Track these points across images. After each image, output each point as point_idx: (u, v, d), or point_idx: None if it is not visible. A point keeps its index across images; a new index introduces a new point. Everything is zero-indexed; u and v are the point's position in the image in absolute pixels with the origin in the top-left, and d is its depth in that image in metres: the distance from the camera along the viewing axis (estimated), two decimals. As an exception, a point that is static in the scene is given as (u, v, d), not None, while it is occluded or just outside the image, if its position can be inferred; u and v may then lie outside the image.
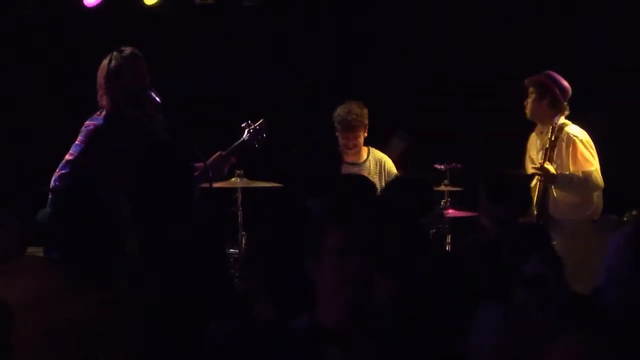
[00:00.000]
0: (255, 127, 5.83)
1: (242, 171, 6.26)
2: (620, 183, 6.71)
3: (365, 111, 6.73)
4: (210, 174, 5.31)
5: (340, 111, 6.73)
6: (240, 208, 6.30)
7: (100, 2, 7.21)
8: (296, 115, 8.01)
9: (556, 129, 6.40)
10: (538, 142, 6.62)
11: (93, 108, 5.52)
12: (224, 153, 5.65)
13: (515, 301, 3.83)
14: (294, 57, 8.22)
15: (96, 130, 5.43)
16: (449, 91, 8.18)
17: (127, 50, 5.47)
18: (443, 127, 8.04)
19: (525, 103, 6.54)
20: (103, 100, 5.47)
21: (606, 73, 7.72)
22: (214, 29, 7.97)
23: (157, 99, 5.44)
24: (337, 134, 6.77)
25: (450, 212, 6.94)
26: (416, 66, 8.08)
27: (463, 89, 8.20)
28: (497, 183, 4.96)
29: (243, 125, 5.84)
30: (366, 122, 6.73)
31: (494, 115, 7.75)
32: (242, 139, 5.78)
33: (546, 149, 6.42)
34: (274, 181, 6.33)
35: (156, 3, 7.41)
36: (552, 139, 6.39)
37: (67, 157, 5.42)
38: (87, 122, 5.48)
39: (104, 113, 5.47)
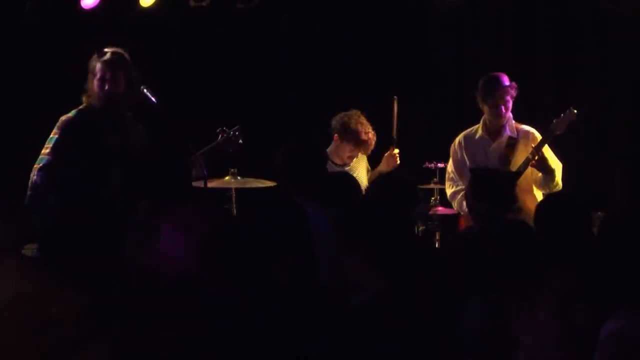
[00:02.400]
0: (230, 133, 5.86)
1: (236, 170, 6.37)
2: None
3: None
4: (205, 173, 5.44)
5: (359, 130, 6.75)
6: (235, 206, 6.41)
7: (98, 4, 7.31)
8: (288, 116, 8.10)
9: (519, 128, 6.53)
10: (483, 146, 6.64)
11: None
12: (195, 155, 5.58)
13: (499, 295, 3.93)
14: (285, 59, 8.31)
15: (69, 121, 5.54)
16: (438, 90, 8.28)
17: (108, 52, 5.56)
18: (432, 125, 8.14)
19: (502, 111, 6.50)
20: (84, 96, 5.61)
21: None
22: (208, 30, 8.06)
23: (153, 98, 5.57)
24: (340, 143, 6.81)
25: (440, 210, 7.06)
26: (404, 65, 8.17)
27: (452, 87, 8.29)
28: (481, 180, 5.01)
29: (218, 130, 5.89)
30: None
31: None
32: (214, 143, 5.81)
33: (507, 149, 6.53)
34: (268, 180, 6.45)
35: (152, 5, 7.51)
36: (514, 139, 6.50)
37: (44, 150, 5.51)
38: (61, 117, 5.59)
39: (80, 107, 5.59)
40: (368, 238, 3.32)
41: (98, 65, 5.51)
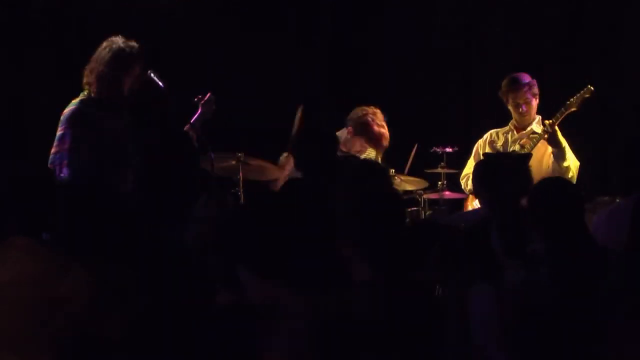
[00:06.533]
0: (207, 99, 5.99)
1: (243, 154, 6.38)
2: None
3: None
4: (213, 157, 5.48)
5: (373, 127, 6.70)
6: (242, 190, 6.42)
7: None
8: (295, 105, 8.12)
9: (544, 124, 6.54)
10: (505, 137, 6.70)
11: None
12: (188, 128, 5.85)
13: (507, 282, 3.92)
14: (294, 49, 8.32)
15: (72, 114, 5.52)
16: (445, 75, 8.28)
17: (120, 40, 5.57)
18: (439, 110, 8.15)
19: (523, 110, 6.57)
20: (88, 83, 5.57)
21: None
22: (215, 21, 8.06)
23: (160, 82, 5.57)
24: (354, 135, 6.75)
25: (447, 194, 7.08)
26: (412, 51, 8.17)
27: (459, 73, 8.30)
28: (485, 167, 4.91)
29: (195, 100, 6.00)
30: None
31: (490, 99, 7.85)
32: (199, 112, 5.96)
33: (527, 139, 6.53)
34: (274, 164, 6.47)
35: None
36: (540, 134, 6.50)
37: (54, 149, 5.48)
38: (64, 111, 5.56)
39: (80, 97, 5.57)
40: (353, 226, 3.31)
41: (131, 61, 5.53)
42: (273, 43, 8.13)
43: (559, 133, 6.44)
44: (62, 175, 5.41)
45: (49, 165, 5.43)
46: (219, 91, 7.15)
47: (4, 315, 3.16)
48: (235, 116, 6.43)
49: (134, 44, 5.58)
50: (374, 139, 6.74)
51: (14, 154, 6.98)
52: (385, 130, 6.75)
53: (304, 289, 3.03)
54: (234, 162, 6.36)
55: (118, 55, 5.52)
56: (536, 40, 8.01)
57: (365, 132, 6.72)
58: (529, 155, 6.15)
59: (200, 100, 6.00)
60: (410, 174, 7.06)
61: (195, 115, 5.97)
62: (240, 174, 6.40)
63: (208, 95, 6.04)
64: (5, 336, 3.15)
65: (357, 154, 6.73)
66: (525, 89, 6.56)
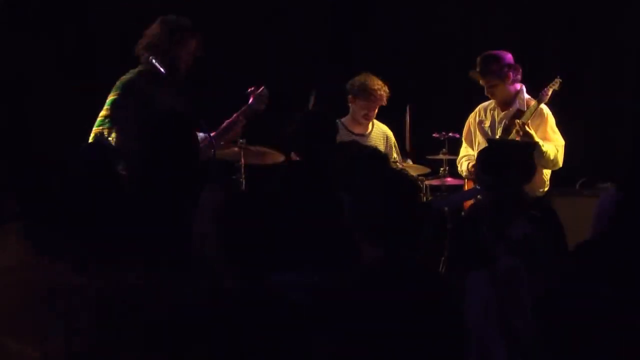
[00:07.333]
0: (260, 93, 5.91)
1: (244, 140, 6.38)
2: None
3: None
4: (214, 144, 5.46)
5: (367, 82, 6.86)
6: (244, 177, 6.43)
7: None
8: (297, 86, 8.12)
9: (530, 104, 6.52)
10: (492, 115, 6.71)
11: (106, 81, 5.63)
12: (238, 115, 5.83)
13: (501, 269, 3.92)
14: (294, 27, 8.32)
15: (130, 81, 5.52)
16: (446, 60, 8.28)
17: (173, 16, 5.61)
18: (441, 96, 8.16)
19: (490, 92, 6.59)
20: (141, 57, 5.59)
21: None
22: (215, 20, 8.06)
23: (162, 68, 5.55)
24: (354, 103, 6.91)
25: (449, 180, 7.09)
26: (414, 36, 8.18)
27: (462, 58, 8.29)
28: (490, 154, 4.90)
29: (249, 90, 5.93)
30: None
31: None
32: (250, 103, 5.89)
33: (509, 122, 6.53)
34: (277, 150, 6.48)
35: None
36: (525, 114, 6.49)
37: (104, 112, 5.47)
38: (121, 78, 5.56)
39: (138, 68, 5.58)
40: (361, 207, 3.33)
41: (186, 35, 5.56)
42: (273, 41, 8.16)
43: (533, 135, 6.40)
44: (109, 139, 5.39)
45: (94, 129, 5.45)
46: (218, 89, 7.22)
47: (4, 301, 3.17)
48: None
49: (187, 19, 5.60)
50: (371, 95, 6.83)
51: (14, 139, 7.00)
52: (381, 86, 6.84)
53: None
54: (235, 149, 6.37)
55: (173, 29, 5.55)
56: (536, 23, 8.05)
57: (362, 90, 6.84)
58: (534, 144, 6.17)
59: (253, 92, 5.91)
60: (412, 160, 7.09)
61: (244, 108, 5.87)
62: (242, 161, 6.42)
63: (262, 88, 5.94)
64: (5, 322, 3.16)
65: (364, 120, 6.89)
66: (489, 73, 6.56)
